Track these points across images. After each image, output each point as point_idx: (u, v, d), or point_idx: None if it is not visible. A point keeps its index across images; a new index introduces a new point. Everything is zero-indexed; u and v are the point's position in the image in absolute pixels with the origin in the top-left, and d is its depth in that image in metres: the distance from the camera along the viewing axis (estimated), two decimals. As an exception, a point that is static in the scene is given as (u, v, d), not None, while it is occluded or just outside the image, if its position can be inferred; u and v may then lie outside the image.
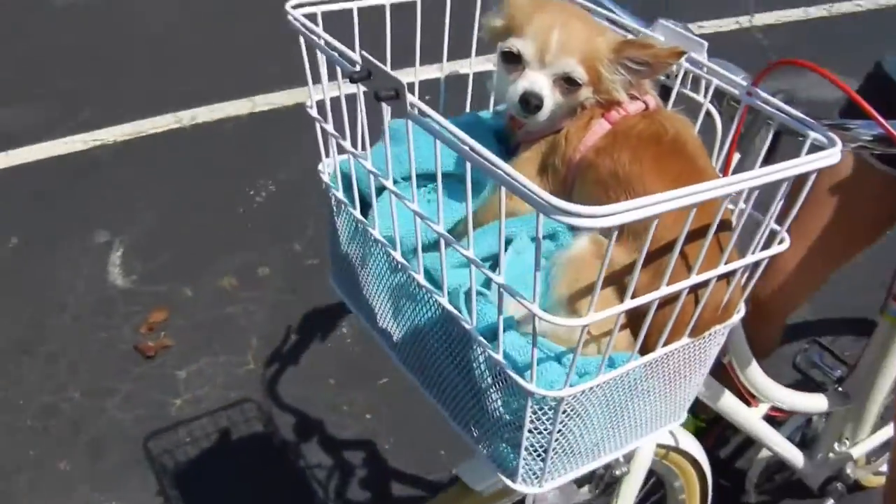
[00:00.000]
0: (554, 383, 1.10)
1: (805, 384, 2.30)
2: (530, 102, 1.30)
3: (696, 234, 1.05)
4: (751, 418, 2.08)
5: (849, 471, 2.42)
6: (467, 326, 1.15)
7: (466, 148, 0.96)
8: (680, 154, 1.26)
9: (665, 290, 1.06)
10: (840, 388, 2.30)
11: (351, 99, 1.30)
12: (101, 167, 4.26)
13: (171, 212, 3.94)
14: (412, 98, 1.02)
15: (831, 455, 2.39)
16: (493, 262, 1.19)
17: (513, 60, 1.33)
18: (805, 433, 2.48)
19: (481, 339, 1.13)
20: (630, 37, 1.42)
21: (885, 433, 2.41)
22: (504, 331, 1.09)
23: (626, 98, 1.32)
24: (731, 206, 1.13)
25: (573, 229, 1.19)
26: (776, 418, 2.45)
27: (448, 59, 1.53)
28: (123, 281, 3.55)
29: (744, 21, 5.51)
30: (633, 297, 1.04)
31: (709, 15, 5.45)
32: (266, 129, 4.52)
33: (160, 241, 3.76)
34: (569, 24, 1.32)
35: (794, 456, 2.32)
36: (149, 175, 4.20)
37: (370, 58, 1.06)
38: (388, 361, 3.01)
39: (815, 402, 2.23)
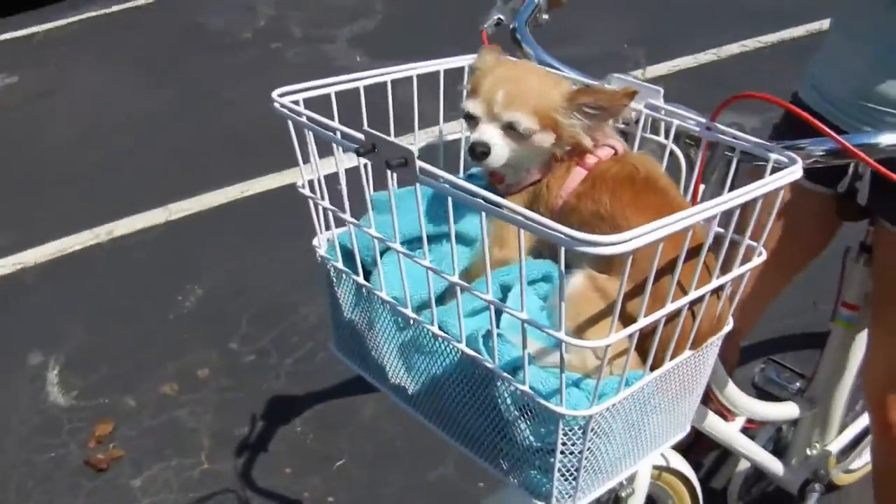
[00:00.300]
0: (577, 406, 1.21)
1: (767, 400, 2.43)
2: (476, 150, 1.44)
3: (688, 256, 1.18)
4: (730, 432, 2.19)
5: (823, 472, 2.55)
6: (490, 366, 1.25)
7: (480, 200, 1.07)
8: (654, 190, 1.39)
9: (670, 306, 1.18)
10: (805, 396, 2.43)
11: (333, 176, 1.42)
12: (27, 289, 4.31)
13: (102, 326, 3.98)
14: (421, 163, 1.13)
15: (805, 459, 2.52)
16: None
17: (470, 119, 1.47)
18: (777, 442, 2.60)
19: (506, 375, 1.24)
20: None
21: (852, 431, 2.55)
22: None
23: (589, 142, 1.44)
24: (719, 230, 1.25)
25: (567, 268, 1.30)
26: (749, 430, 2.58)
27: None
28: (64, 398, 3.56)
29: (637, 74, 5.70)
30: (638, 319, 1.16)
31: (603, 74, 5.55)
32: (184, 235, 4.60)
33: (96, 356, 3.78)
34: (518, 80, 1.46)
35: (773, 464, 2.43)
36: (76, 292, 4.25)
37: (374, 132, 1.17)
38: (342, 442, 3.11)
39: (787, 410, 2.36)
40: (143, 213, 4.78)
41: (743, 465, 2.57)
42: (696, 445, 2.64)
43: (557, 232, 0.98)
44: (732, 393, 2.06)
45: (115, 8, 7.75)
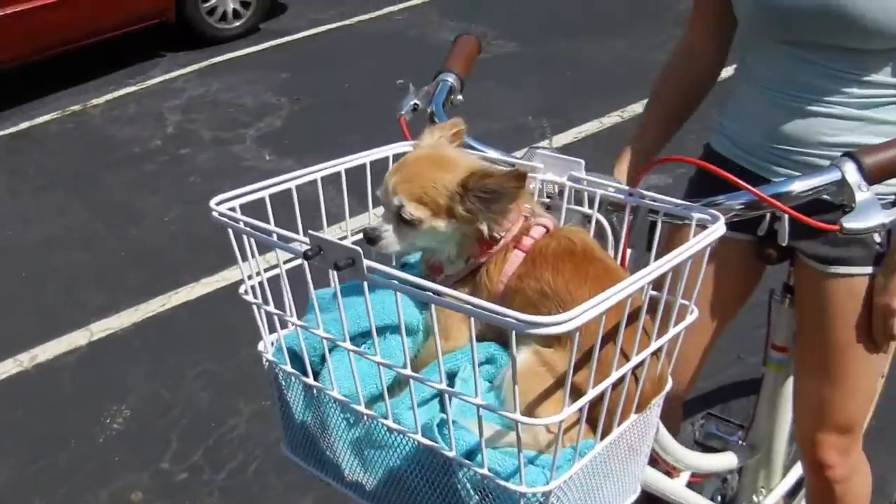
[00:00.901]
0: (534, 483, 1.24)
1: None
2: (367, 235, 1.51)
3: (627, 322, 1.22)
4: (677, 488, 2.19)
5: (771, 517, 2.60)
6: (449, 454, 1.27)
7: (430, 293, 1.11)
8: (592, 260, 1.43)
9: (615, 374, 1.23)
10: (745, 443, 2.48)
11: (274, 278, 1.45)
12: None
13: (31, 455, 3.91)
14: (368, 262, 1.16)
15: (753, 505, 2.56)
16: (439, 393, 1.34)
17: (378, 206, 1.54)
18: (724, 492, 2.64)
19: (465, 461, 1.26)
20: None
21: (796, 473, 2.59)
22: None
23: (486, 229, 1.46)
24: (653, 293, 1.30)
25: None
26: (695, 484, 2.62)
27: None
28: None
29: (544, 146, 5.79)
30: (583, 390, 1.20)
31: (510, 147, 5.61)
32: (108, 355, 4.57)
33: (27, 487, 3.72)
34: (412, 165, 1.51)
35: (722, 514, 2.48)
36: (1, 422, 4.17)
37: (319, 235, 1.20)
38: None
39: (728, 460, 2.40)
40: (65, 336, 4.73)
41: (697, 519, 2.61)
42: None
43: (506, 316, 1.02)
44: (674, 449, 2.09)
45: (21, 126, 7.71)
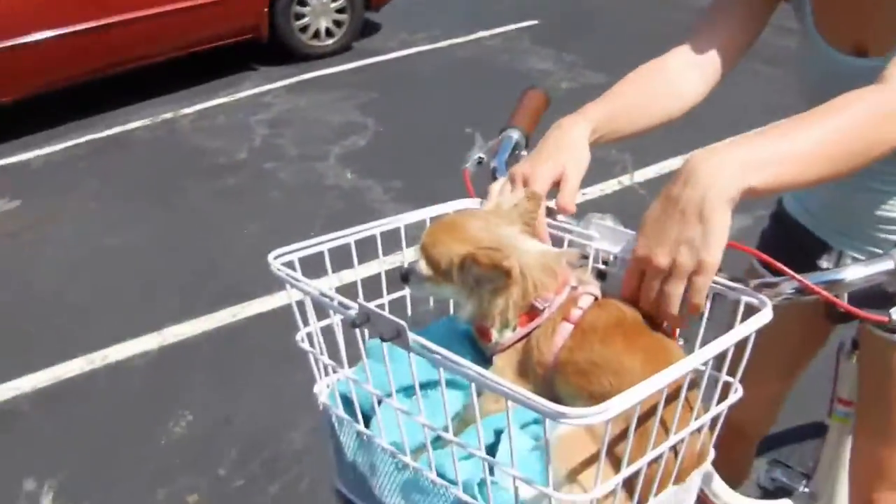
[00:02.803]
0: (567, 550, 1.27)
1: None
2: (402, 273, 1.57)
3: (668, 399, 1.25)
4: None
5: (830, 567, 2.58)
6: (486, 513, 1.31)
7: (472, 373, 1.15)
8: (642, 331, 1.44)
9: (652, 453, 1.25)
10: (807, 490, 2.48)
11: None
12: (20, 416, 4.38)
13: (95, 451, 4.04)
14: (413, 336, 1.21)
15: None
16: (487, 452, 1.36)
17: None
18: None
19: (501, 522, 1.30)
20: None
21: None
22: (518, 511, 1.26)
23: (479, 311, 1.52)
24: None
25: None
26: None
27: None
28: None
29: (625, 180, 5.84)
30: (621, 468, 1.22)
31: (592, 181, 5.74)
32: (177, 361, 4.69)
33: (88, 483, 3.84)
34: (437, 228, 1.55)
35: (779, 567, 2.47)
36: (70, 418, 4.31)
37: (368, 305, 1.25)
38: None
39: (785, 509, 2.39)
40: (137, 339, 4.87)
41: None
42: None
43: (540, 405, 1.05)
44: (729, 497, 2.10)
45: (113, 130, 7.95)
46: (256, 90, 8.55)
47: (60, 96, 8.35)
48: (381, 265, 1.64)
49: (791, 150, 1.37)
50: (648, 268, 1.38)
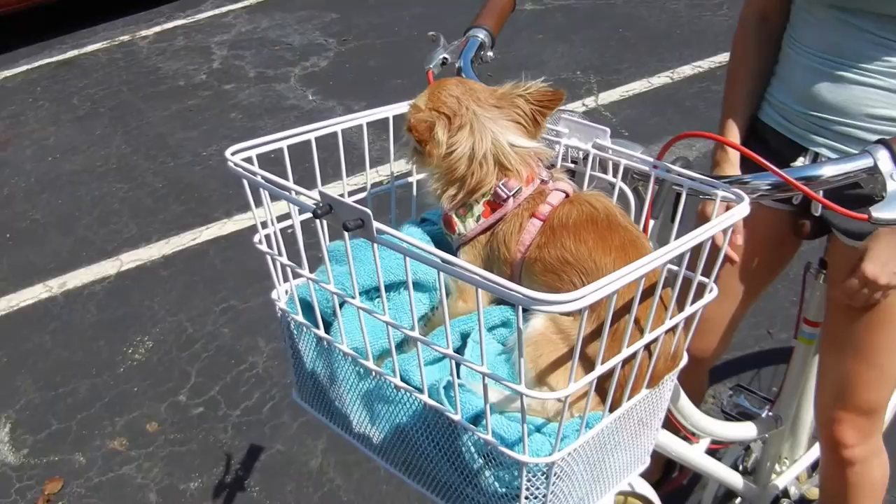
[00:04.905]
0: (539, 451, 1.23)
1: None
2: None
3: (642, 297, 1.19)
4: (695, 455, 2.21)
5: (793, 488, 2.58)
6: (454, 417, 1.26)
7: (438, 260, 1.09)
8: (615, 227, 1.39)
9: (626, 351, 1.20)
10: (771, 413, 2.46)
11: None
12: None
13: (53, 381, 3.96)
14: (377, 224, 1.14)
15: (774, 476, 2.54)
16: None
17: None
18: (745, 461, 2.63)
19: (469, 425, 1.25)
20: None
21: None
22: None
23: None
24: (671, 267, 1.27)
25: (526, 312, 1.29)
26: (717, 451, 2.61)
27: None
28: (14, 456, 3.55)
29: (589, 102, 5.75)
30: (596, 366, 1.17)
31: None
32: (136, 286, 4.60)
33: (46, 412, 3.77)
34: (429, 92, 1.53)
35: (740, 483, 2.46)
36: (26, 347, 4.23)
37: (330, 194, 1.18)
38: (289, 495, 3.14)
39: (746, 430, 2.37)
40: (96, 265, 4.79)
41: (713, 486, 2.60)
42: (665, 480, 2.68)
43: (513, 291, 0.99)
44: (693, 416, 2.07)
45: (70, 53, 7.76)
46: (216, 11, 8.34)
47: (15, 20, 8.16)
48: (342, 163, 1.59)
49: None
50: (870, 285, 1.82)
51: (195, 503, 3.22)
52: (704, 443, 2.48)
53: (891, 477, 2.26)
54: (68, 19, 8.36)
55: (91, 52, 7.76)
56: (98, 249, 4.90)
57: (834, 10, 1.80)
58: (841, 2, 1.78)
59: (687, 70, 5.95)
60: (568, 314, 1.33)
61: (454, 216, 1.49)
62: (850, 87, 1.81)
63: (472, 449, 1.27)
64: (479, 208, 1.47)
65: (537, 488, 1.24)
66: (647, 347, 1.28)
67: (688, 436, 2.15)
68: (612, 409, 1.29)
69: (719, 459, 2.47)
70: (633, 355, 1.25)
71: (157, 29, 8.09)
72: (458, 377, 1.29)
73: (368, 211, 1.12)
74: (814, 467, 2.63)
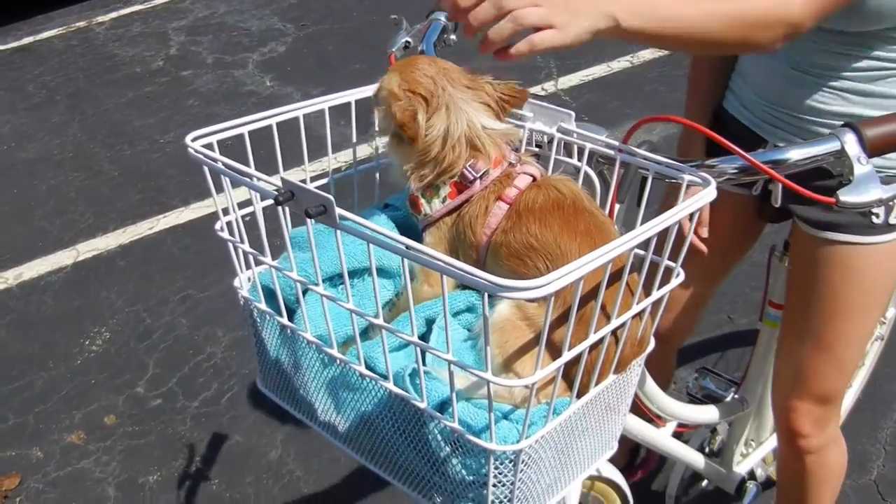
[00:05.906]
0: (507, 438, 1.22)
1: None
2: None
3: (609, 282, 1.18)
4: (660, 437, 2.21)
5: (759, 470, 2.59)
6: (420, 405, 1.24)
7: (402, 246, 1.07)
8: (582, 212, 1.39)
9: (594, 336, 1.19)
10: (737, 396, 2.47)
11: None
12: None
13: (9, 374, 3.89)
14: (340, 210, 1.12)
15: (740, 458, 2.55)
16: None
17: None
18: (712, 443, 2.64)
19: (435, 413, 1.24)
20: None
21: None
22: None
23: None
24: (638, 252, 1.26)
25: (492, 298, 1.30)
26: (683, 434, 2.62)
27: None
28: None
29: (549, 87, 5.73)
30: (563, 352, 1.16)
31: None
32: (92, 276, 4.53)
33: (2, 406, 3.69)
34: (397, 68, 1.51)
35: (707, 465, 2.47)
36: (-20, 340, 4.17)
37: (291, 181, 1.16)
38: (249, 487, 3.11)
39: (710, 413, 2.38)
40: (51, 255, 4.71)
41: (680, 468, 2.61)
42: (632, 464, 2.69)
43: (479, 278, 0.98)
44: (659, 399, 2.08)
45: (25, 40, 7.64)
46: (173, -3, 8.25)
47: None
48: (304, 149, 1.57)
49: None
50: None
51: (154, 497, 3.19)
52: (671, 426, 2.48)
53: (849, 462, 2.27)
54: (23, 5, 8.20)
55: (47, 39, 7.63)
56: (54, 239, 4.82)
57: None
58: None
59: (647, 55, 5.94)
60: (534, 300, 1.32)
61: (420, 196, 1.47)
62: (804, 87, 1.82)
63: (439, 437, 1.26)
64: (445, 189, 1.45)
65: (505, 475, 1.23)
66: (615, 333, 1.27)
67: (654, 419, 2.15)
68: (579, 395, 1.28)
69: (686, 442, 2.48)
70: (601, 341, 1.24)
71: (114, 15, 7.96)
72: (424, 364, 1.28)
73: (331, 197, 1.10)
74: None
